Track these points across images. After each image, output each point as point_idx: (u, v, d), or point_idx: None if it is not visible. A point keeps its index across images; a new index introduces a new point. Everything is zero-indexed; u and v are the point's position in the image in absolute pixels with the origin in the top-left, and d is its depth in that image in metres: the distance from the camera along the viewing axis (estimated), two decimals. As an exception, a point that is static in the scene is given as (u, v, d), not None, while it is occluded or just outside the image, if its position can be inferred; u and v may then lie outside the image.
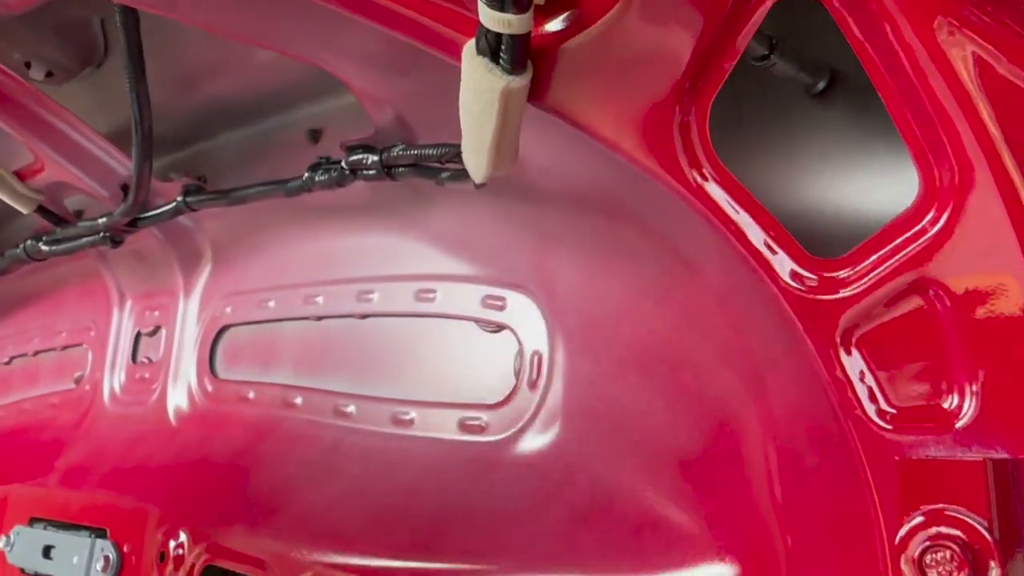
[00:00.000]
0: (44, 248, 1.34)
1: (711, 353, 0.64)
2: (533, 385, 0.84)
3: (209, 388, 1.25)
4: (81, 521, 1.25)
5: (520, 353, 0.87)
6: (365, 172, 0.92)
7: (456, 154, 0.79)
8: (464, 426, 0.90)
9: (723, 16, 0.48)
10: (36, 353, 1.66)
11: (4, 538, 1.33)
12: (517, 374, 0.86)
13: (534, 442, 0.81)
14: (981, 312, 0.44)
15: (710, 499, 0.63)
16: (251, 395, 1.18)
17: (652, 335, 0.70)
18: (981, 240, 0.44)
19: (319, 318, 1.12)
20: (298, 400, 1.11)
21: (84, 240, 1.29)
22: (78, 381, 1.50)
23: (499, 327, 0.90)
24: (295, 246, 1.16)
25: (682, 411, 0.67)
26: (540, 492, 0.79)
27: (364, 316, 1.07)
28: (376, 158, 0.90)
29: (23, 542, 1.31)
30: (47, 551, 1.27)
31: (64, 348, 1.60)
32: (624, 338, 0.73)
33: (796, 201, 0.68)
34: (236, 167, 1.28)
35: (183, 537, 1.09)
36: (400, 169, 0.89)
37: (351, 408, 1.04)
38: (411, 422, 0.96)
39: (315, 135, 1.20)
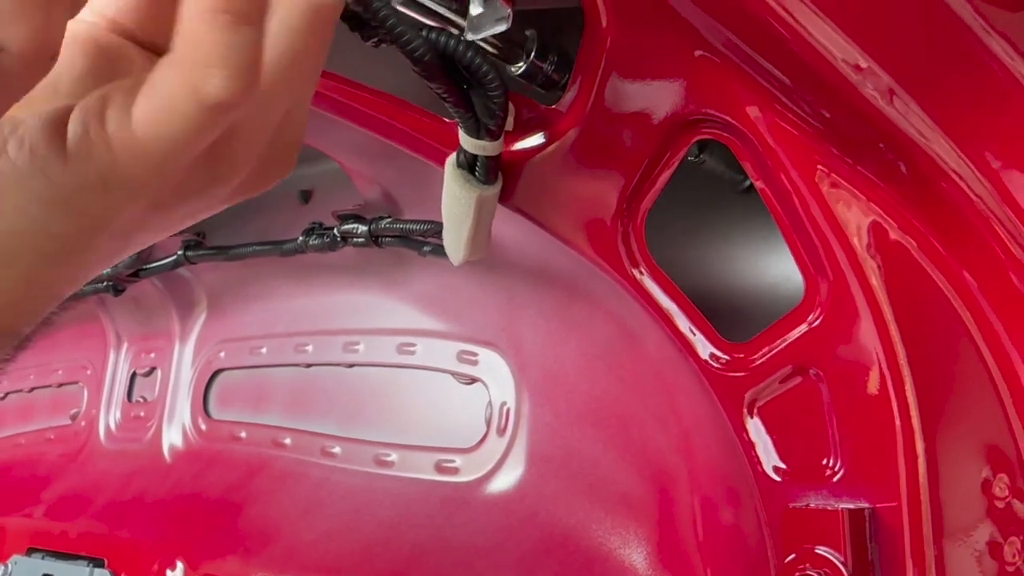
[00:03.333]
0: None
1: (650, 413, 0.76)
2: (501, 432, 0.96)
3: (203, 427, 1.35)
4: (79, 551, 1.33)
5: (490, 403, 0.98)
6: (355, 240, 1.03)
7: (438, 231, 0.91)
8: (440, 467, 1.01)
9: (655, 149, 0.60)
10: (32, 389, 1.75)
11: (2, 567, 1.41)
12: (488, 422, 0.98)
13: (502, 483, 0.92)
14: (848, 391, 0.56)
15: (650, 536, 0.75)
16: (243, 435, 1.28)
17: (604, 394, 0.82)
18: (847, 335, 0.56)
19: (308, 365, 1.23)
20: (287, 440, 1.21)
21: (88, 288, 1.39)
22: (74, 417, 1.59)
23: (472, 379, 1.01)
24: (286, 298, 1.27)
25: (628, 461, 0.79)
26: (506, 527, 0.90)
27: (350, 365, 1.17)
28: (365, 228, 1.02)
29: (21, 571, 1.39)
30: (45, 579, 1.35)
31: (60, 385, 1.69)
32: (581, 395, 0.85)
33: (722, 280, 0.81)
34: (230, 221, 1.38)
35: (179, 567, 1.18)
36: (387, 239, 1.01)
37: (337, 449, 1.14)
38: (392, 463, 1.06)
39: (306, 196, 1.31)
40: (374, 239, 1.02)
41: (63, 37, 0.34)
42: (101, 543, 1.31)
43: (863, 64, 0.50)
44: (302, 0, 0.38)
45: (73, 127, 0.38)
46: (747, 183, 0.84)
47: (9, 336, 0.42)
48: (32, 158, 0.37)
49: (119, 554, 1.28)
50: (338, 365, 1.18)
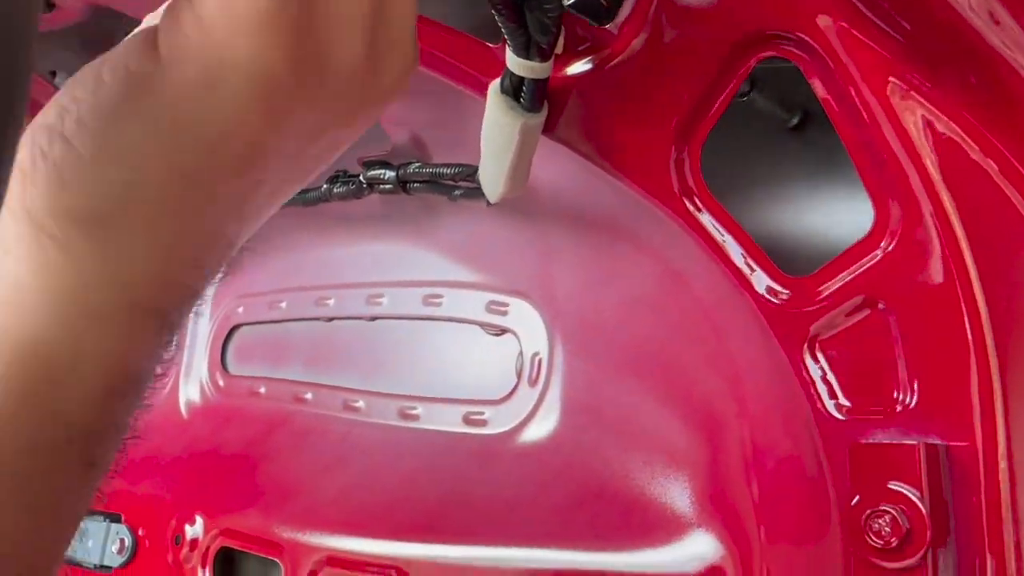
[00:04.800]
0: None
1: (698, 357, 0.73)
2: (533, 382, 0.93)
3: (221, 383, 1.32)
4: (95, 507, 1.30)
5: (521, 354, 0.95)
6: (382, 186, 1.00)
7: (469, 174, 0.88)
8: (468, 420, 0.98)
9: (716, 70, 0.57)
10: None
11: (17, 523, 1.38)
12: (518, 373, 0.95)
13: (533, 434, 0.90)
14: (919, 323, 0.53)
15: (695, 483, 0.72)
16: (262, 390, 1.25)
17: (645, 340, 0.79)
18: (921, 264, 0.53)
19: (330, 319, 1.20)
20: (308, 395, 1.19)
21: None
22: (88, 375, 1.55)
23: (502, 330, 0.99)
24: (307, 251, 1.24)
25: (671, 409, 0.76)
26: (538, 480, 0.87)
27: (373, 318, 1.15)
28: (393, 174, 0.98)
29: (36, 527, 1.36)
30: (60, 535, 1.32)
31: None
32: (619, 343, 0.82)
33: (771, 223, 0.78)
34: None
35: (198, 521, 1.17)
36: (415, 185, 0.98)
37: (360, 403, 1.12)
38: (417, 416, 1.04)
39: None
40: (402, 185, 0.99)
41: None
42: (118, 499, 1.29)
43: (953, -34, 0.46)
44: None
45: (163, 28, 0.35)
46: (795, 120, 0.81)
47: (157, 317, 0.38)
48: (128, 76, 0.35)
49: (137, 509, 1.26)
50: (361, 318, 1.16)
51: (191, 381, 1.35)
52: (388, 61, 0.40)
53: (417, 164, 0.98)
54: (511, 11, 0.56)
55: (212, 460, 1.24)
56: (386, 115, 0.99)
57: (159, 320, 0.38)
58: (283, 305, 1.27)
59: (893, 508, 0.48)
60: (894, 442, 0.50)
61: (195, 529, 1.17)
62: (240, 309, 1.33)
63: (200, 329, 1.37)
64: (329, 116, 0.39)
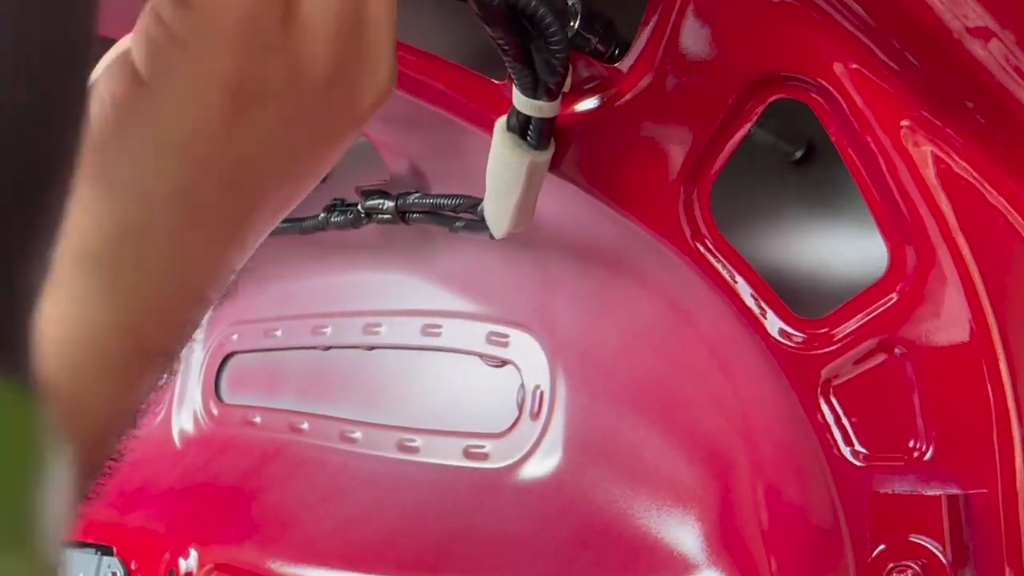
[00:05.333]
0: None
1: (703, 394, 0.72)
2: (535, 416, 0.92)
3: (215, 412, 1.31)
4: (86, 539, 1.29)
5: (522, 386, 0.94)
6: (380, 216, 0.99)
7: (471, 205, 0.87)
8: (468, 453, 0.97)
9: (727, 111, 0.56)
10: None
11: (6, 555, 1.35)
12: (520, 406, 0.94)
13: (536, 469, 0.89)
14: (937, 369, 0.52)
15: (704, 524, 0.71)
16: (257, 419, 1.23)
17: (647, 375, 0.78)
18: (938, 309, 0.52)
19: (326, 348, 1.19)
20: (304, 425, 1.17)
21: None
22: (79, 402, 1.53)
23: (503, 362, 0.97)
24: (303, 279, 1.23)
25: (676, 445, 0.75)
26: (541, 515, 0.86)
27: (371, 348, 1.13)
28: (392, 204, 0.97)
29: (25, 559, 1.33)
30: (50, 568, 1.30)
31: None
32: (622, 377, 0.81)
33: (773, 258, 0.77)
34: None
35: (192, 555, 1.14)
36: (415, 215, 0.97)
37: (357, 434, 1.10)
38: (417, 448, 1.02)
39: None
40: (401, 215, 0.97)
41: None
42: (110, 531, 1.27)
43: (977, 17, 0.46)
44: None
45: (137, 48, 0.35)
46: (798, 154, 0.80)
47: (161, 357, 0.39)
48: (114, 102, 0.35)
49: (129, 542, 1.24)
50: (358, 348, 1.14)
51: (184, 410, 1.33)
52: (365, 80, 0.41)
53: (417, 195, 0.97)
54: (517, 51, 0.56)
55: (206, 491, 1.22)
56: (385, 144, 0.98)
57: (164, 359, 0.40)
58: (278, 333, 1.25)
59: (915, 563, 0.47)
60: (916, 493, 0.49)
61: (189, 563, 1.15)
62: (235, 337, 1.32)
63: (194, 357, 1.35)
64: (310, 132, 0.40)
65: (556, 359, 0.90)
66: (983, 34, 0.47)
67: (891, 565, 0.48)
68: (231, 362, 1.32)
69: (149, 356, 0.39)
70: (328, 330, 1.18)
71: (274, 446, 1.19)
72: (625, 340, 0.81)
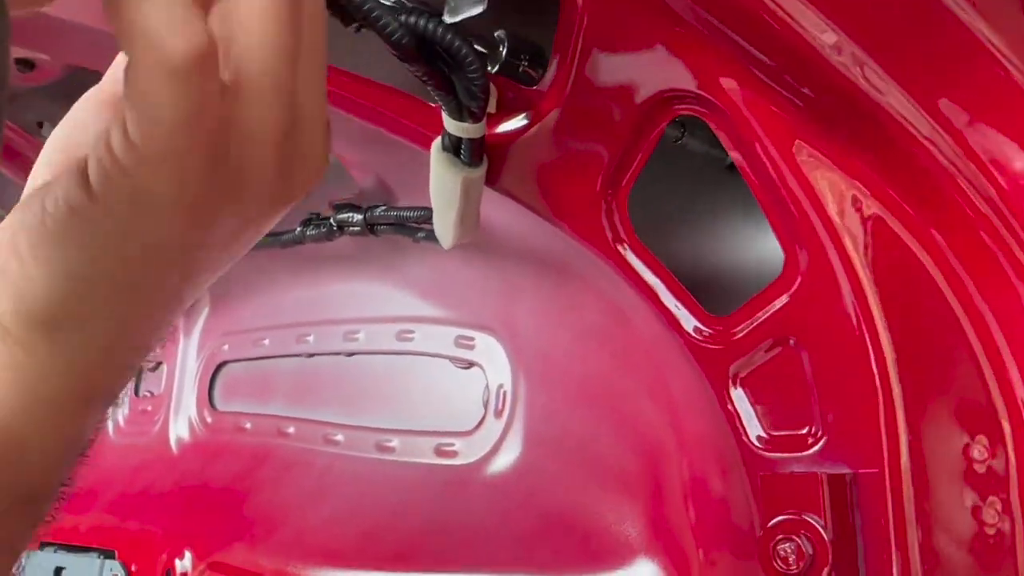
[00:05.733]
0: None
1: (641, 389, 0.77)
2: (499, 414, 0.97)
3: (208, 419, 1.36)
4: (89, 544, 1.35)
5: (487, 387, 0.99)
6: (351, 228, 1.04)
7: (431, 217, 0.92)
8: (440, 451, 1.02)
9: (633, 128, 0.61)
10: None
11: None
12: (485, 405, 0.99)
13: (500, 464, 0.94)
14: (828, 358, 0.57)
15: (643, 511, 0.76)
16: (248, 425, 1.29)
17: (596, 373, 0.83)
18: (829, 304, 0.57)
19: (310, 355, 1.24)
20: (291, 430, 1.23)
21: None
22: (83, 414, 1.60)
23: (470, 364, 1.03)
24: (286, 290, 1.28)
25: (621, 438, 0.80)
26: (505, 507, 0.91)
27: (351, 354, 1.19)
28: (360, 216, 1.03)
29: (34, 565, 1.41)
30: (57, 572, 1.37)
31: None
32: (574, 375, 0.86)
33: (710, 259, 0.82)
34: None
35: (188, 556, 1.20)
36: (382, 227, 1.02)
37: (340, 436, 1.16)
38: (393, 448, 1.08)
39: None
40: (369, 227, 1.03)
41: None
42: (111, 535, 1.33)
43: (833, 35, 0.51)
44: None
45: (91, 168, 0.39)
46: (729, 160, 0.85)
47: (105, 398, 0.44)
48: (69, 211, 0.39)
49: (129, 545, 1.30)
50: (339, 354, 1.20)
51: (180, 418, 1.39)
52: (299, 173, 0.43)
53: (383, 207, 1.03)
54: (439, 81, 0.61)
55: (201, 495, 1.27)
56: (351, 162, 1.04)
57: (108, 399, 0.44)
58: (266, 342, 1.31)
59: (798, 536, 0.51)
60: (799, 472, 0.54)
61: (184, 563, 1.21)
62: (226, 347, 1.38)
63: (188, 366, 1.41)
64: (247, 219, 0.44)
65: (518, 360, 0.95)
66: (854, 59, 0.52)
67: (779, 537, 0.52)
68: (223, 371, 1.37)
69: (93, 398, 0.44)
70: (311, 338, 1.24)
71: (264, 450, 1.25)
72: (576, 339, 0.86)
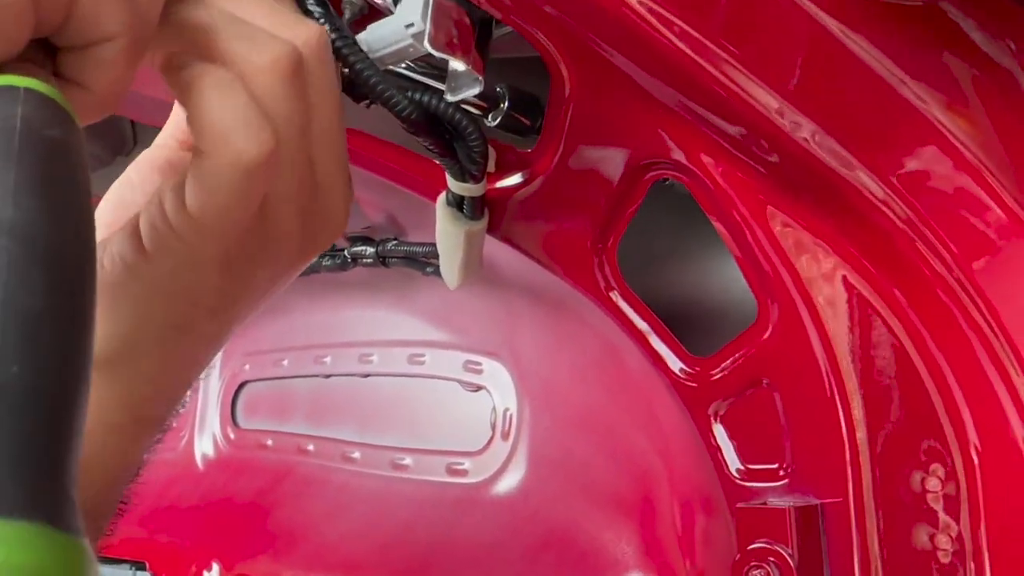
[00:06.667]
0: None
1: (633, 420, 0.83)
2: (505, 436, 1.03)
3: (231, 436, 1.44)
4: (122, 556, 1.42)
5: (495, 409, 1.06)
6: (364, 260, 1.11)
7: (438, 254, 0.98)
8: (451, 470, 1.08)
9: (618, 190, 0.67)
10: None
11: (51, 572, 1.49)
12: (493, 427, 1.05)
13: (507, 484, 1.00)
14: (798, 399, 0.63)
15: (637, 532, 0.82)
16: (269, 442, 1.36)
17: (593, 402, 0.89)
18: (798, 349, 0.63)
19: (327, 376, 1.31)
20: (310, 447, 1.30)
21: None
22: (111, 429, 1.67)
23: (478, 387, 1.09)
24: (305, 314, 1.35)
25: (617, 463, 0.86)
26: (511, 525, 0.97)
27: (366, 375, 1.25)
28: (373, 250, 1.09)
29: None
30: (91, 582, 1.43)
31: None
32: (574, 403, 0.92)
33: (701, 293, 0.88)
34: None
35: (215, 568, 1.27)
36: (393, 260, 1.08)
37: (356, 454, 1.22)
38: (407, 466, 1.14)
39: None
40: (381, 260, 1.09)
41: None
42: (142, 548, 1.40)
43: (793, 116, 0.57)
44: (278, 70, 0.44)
45: (144, 229, 0.45)
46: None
47: (156, 424, 0.51)
48: (124, 266, 0.45)
49: (159, 557, 1.37)
50: (354, 375, 1.26)
51: (205, 436, 1.46)
52: (322, 232, 0.51)
53: (395, 242, 1.09)
54: (443, 148, 0.67)
55: (226, 509, 1.34)
56: (365, 200, 1.10)
57: (158, 424, 0.51)
58: (285, 363, 1.38)
59: (767, 563, 0.57)
60: (769, 507, 0.60)
61: (212, 575, 1.28)
62: (247, 367, 1.44)
63: (211, 386, 1.48)
64: (276, 272, 0.51)
65: (522, 385, 1.02)
66: (811, 134, 0.58)
67: (752, 563, 0.58)
68: (245, 390, 1.44)
69: (146, 423, 0.50)
70: (328, 359, 1.31)
71: (285, 467, 1.31)
72: (574, 369, 0.92)
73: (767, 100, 0.56)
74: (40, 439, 0.25)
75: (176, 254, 0.45)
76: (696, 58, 0.56)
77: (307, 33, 0.47)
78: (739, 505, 0.62)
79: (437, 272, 1.05)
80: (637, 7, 0.54)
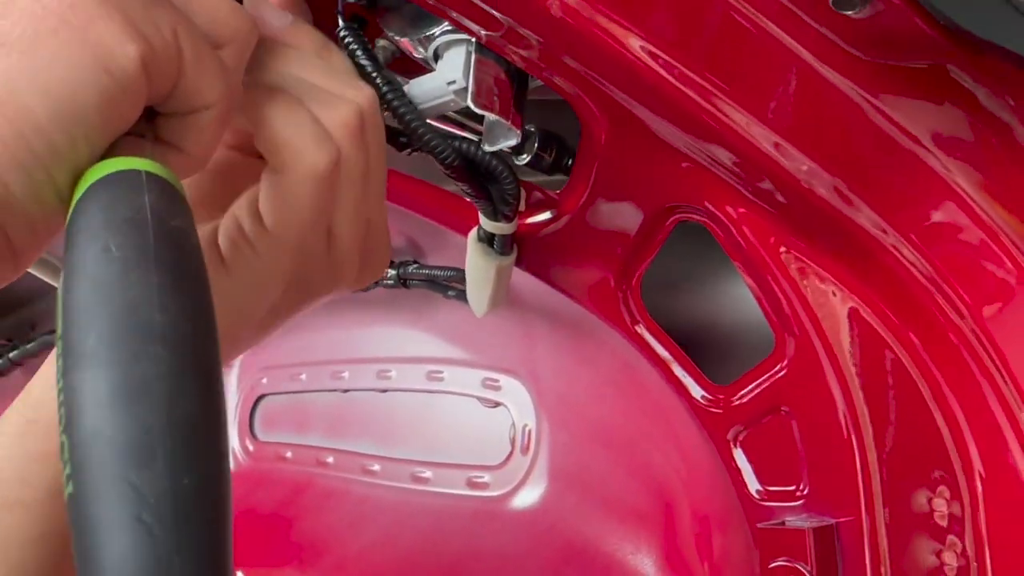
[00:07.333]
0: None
1: (653, 437, 0.87)
2: (525, 450, 1.07)
3: (250, 448, 1.47)
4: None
5: (513, 425, 1.10)
6: (384, 282, 1.15)
7: (461, 278, 1.02)
8: (471, 483, 1.13)
9: (642, 230, 0.71)
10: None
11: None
12: (512, 442, 1.09)
13: (527, 497, 1.04)
14: (814, 426, 0.68)
15: (657, 545, 0.86)
16: (288, 455, 1.40)
17: (612, 419, 0.94)
18: (814, 380, 0.68)
19: (345, 391, 1.35)
20: (330, 460, 1.34)
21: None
22: (128, 440, 1.70)
23: (496, 404, 1.13)
24: (322, 330, 1.39)
25: (636, 478, 0.91)
26: (532, 537, 1.02)
27: (384, 390, 1.29)
28: (394, 272, 1.13)
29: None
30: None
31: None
32: (592, 419, 0.97)
33: (725, 316, 0.92)
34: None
35: (240, 577, 1.31)
36: (414, 282, 1.12)
37: (376, 467, 1.26)
38: (427, 479, 1.19)
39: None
40: (402, 282, 1.13)
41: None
42: (165, 558, 1.43)
43: (810, 167, 0.61)
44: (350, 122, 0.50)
45: (224, 245, 0.50)
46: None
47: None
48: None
49: (182, 567, 1.41)
50: (373, 390, 1.30)
51: (224, 448, 1.49)
52: (370, 267, 0.56)
53: (415, 265, 1.13)
54: (477, 188, 0.71)
55: (249, 519, 1.38)
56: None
57: None
58: (303, 377, 1.41)
59: (788, 581, 0.62)
60: (790, 528, 0.65)
61: (237, 585, 1.32)
62: (264, 380, 1.48)
63: (229, 398, 1.52)
64: (325, 297, 0.56)
65: (540, 402, 1.06)
66: (822, 181, 0.62)
67: (773, 580, 0.63)
68: (262, 403, 1.48)
69: None
70: (346, 375, 1.35)
71: (305, 478, 1.35)
72: (592, 388, 0.97)
73: (789, 156, 0.60)
74: (215, 544, 0.29)
75: (253, 268, 0.50)
76: (713, 110, 0.60)
77: (366, 93, 0.53)
78: (760, 525, 0.66)
79: (458, 296, 1.10)
80: (648, 60, 0.59)
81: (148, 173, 0.37)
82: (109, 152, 0.39)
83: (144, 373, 0.29)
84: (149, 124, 0.44)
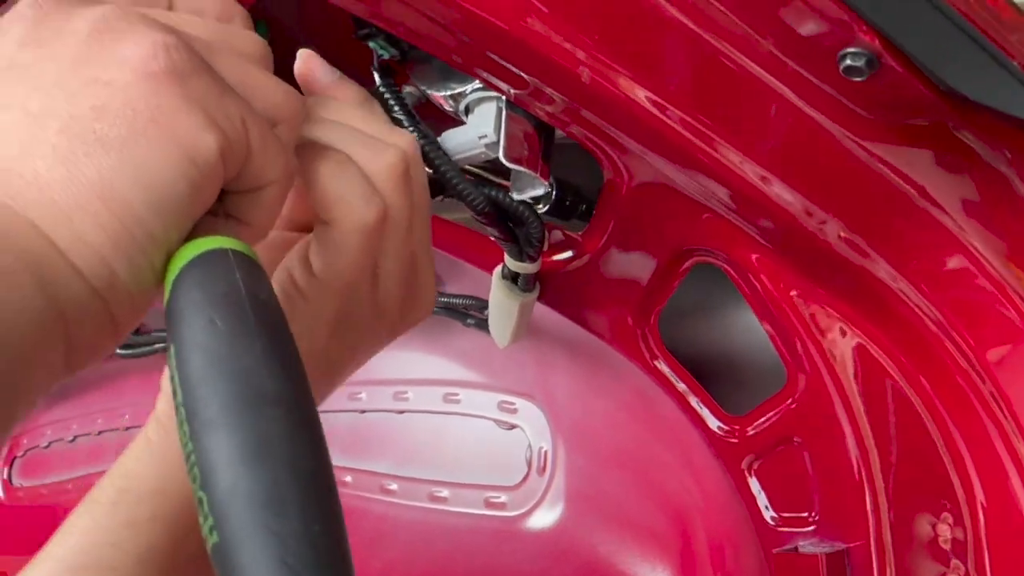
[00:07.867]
0: (120, 352, 1.60)
1: (667, 462, 0.91)
2: (541, 472, 1.11)
3: (268, 467, 1.51)
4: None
5: (529, 447, 1.14)
6: (404, 309, 1.19)
7: (480, 307, 1.06)
8: (488, 503, 1.17)
9: (660, 270, 0.76)
10: (100, 432, 1.91)
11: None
12: (528, 463, 1.13)
13: (543, 518, 1.08)
14: (824, 457, 0.72)
15: (673, 568, 0.90)
16: (306, 474, 1.43)
17: (627, 443, 0.98)
18: (823, 415, 0.72)
19: (362, 411, 1.39)
20: (349, 479, 1.37)
21: (158, 347, 1.56)
22: (144, 458, 1.74)
23: (512, 426, 1.17)
24: (339, 352, 1.43)
25: (651, 500, 0.95)
26: (550, 556, 1.06)
27: (401, 412, 1.33)
28: (413, 299, 1.17)
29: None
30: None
31: (127, 429, 1.85)
32: (608, 442, 1.01)
33: (717, 347, 0.96)
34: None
35: (261, 595, 1.34)
36: (434, 310, 1.16)
37: (394, 486, 1.30)
38: (445, 499, 1.22)
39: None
40: (421, 309, 1.17)
41: None
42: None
43: (822, 216, 0.65)
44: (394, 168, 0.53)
45: (280, 298, 0.53)
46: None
47: None
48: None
49: (204, 585, 1.44)
50: (390, 411, 1.34)
51: (242, 467, 1.53)
52: (416, 307, 0.59)
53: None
54: (503, 231, 0.75)
55: (266, 538, 1.42)
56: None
57: None
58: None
59: (804, 604, 0.66)
60: (801, 551, 0.69)
61: (258, 602, 1.35)
62: (281, 400, 1.51)
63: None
64: (375, 342, 0.59)
65: (556, 425, 1.10)
66: (837, 233, 0.67)
67: (788, 606, 0.67)
68: (280, 423, 1.52)
69: None
70: (363, 396, 1.38)
71: (323, 497, 1.39)
72: (608, 413, 1.01)
73: (800, 204, 0.65)
74: None
75: (303, 314, 0.53)
76: (723, 160, 0.64)
77: (408, 139, 0.56)
78: (775, 551, 0.71)
79: (478, 324, 1.14)
80: (656, 113, 0.62)
81: (234, 251, 0.41)
82: (194, 232, 0.43)
83: (267, 432, 0.33)
84: (219, 203, 0.47)
